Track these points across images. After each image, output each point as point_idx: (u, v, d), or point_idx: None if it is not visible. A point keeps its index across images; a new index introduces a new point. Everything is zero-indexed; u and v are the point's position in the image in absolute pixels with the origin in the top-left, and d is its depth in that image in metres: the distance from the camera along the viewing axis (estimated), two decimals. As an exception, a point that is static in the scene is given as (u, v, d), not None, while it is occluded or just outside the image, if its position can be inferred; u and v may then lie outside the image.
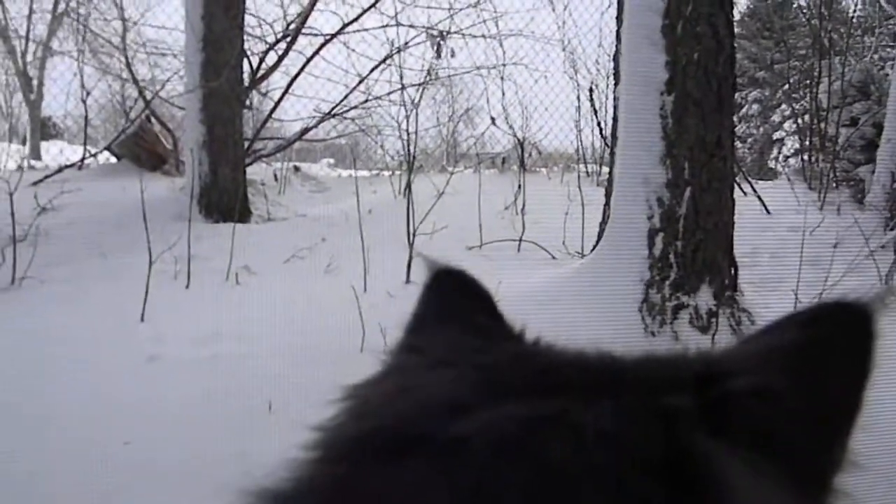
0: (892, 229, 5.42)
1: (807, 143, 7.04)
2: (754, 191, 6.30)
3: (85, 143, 8.03)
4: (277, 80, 8.35)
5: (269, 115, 8.05)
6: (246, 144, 7.53)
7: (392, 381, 0.51)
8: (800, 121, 7.47)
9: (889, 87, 6.08)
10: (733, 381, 0.41)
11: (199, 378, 3.92)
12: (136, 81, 7.53)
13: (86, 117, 8.03)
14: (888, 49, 9.12)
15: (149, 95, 7.66)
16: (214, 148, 6.81)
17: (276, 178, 8.04)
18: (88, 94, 8.07)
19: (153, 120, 7.75)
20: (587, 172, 7.79)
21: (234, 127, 6.98)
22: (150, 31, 8.29)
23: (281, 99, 7.94)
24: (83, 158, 7.91)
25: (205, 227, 6.45)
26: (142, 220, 5.14)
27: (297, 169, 8.40)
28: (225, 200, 6.77)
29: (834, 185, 6.36)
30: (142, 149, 7.64)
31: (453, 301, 0.60)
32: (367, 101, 7.83)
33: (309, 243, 6.19)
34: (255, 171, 8.01)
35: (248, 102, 7.88)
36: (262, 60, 7.85)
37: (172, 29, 7.83)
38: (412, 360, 0.53)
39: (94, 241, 5.91)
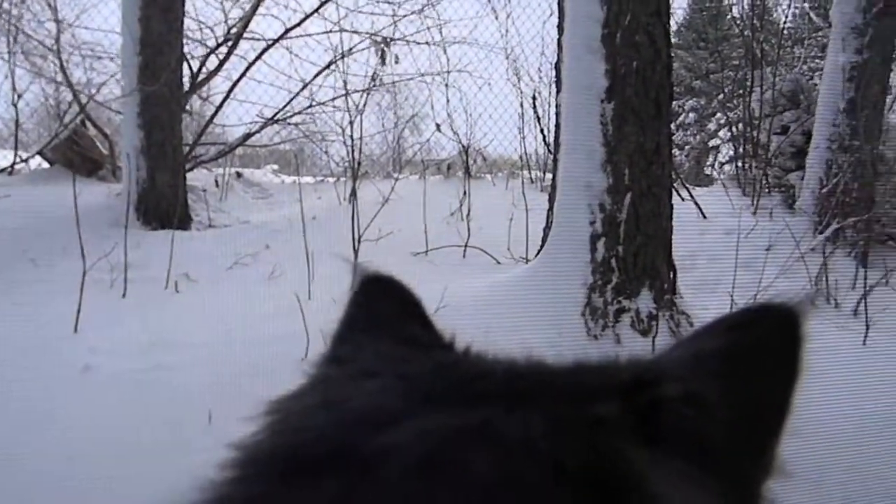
0: (820, 233, 5.62)
1: (740, 150, 7.26)
2: (691, 196, 6.47)
3: (16, 148, 7.74)
4: (219, 85, 8.22)
5: (210, 120, 7.91)
6: (186, 150, 7.38)
7: (315, 393, 0.50)
8: (734, 129, 7.70)
9: (817, 96, 6.33)
10: (663, 388, 0.41)
11: (137, 390, 3.82)
12: (70, 84, 7.30)
13: (17, 121, 7.74)
14: (817, 60, 9.47)
15: (84, 99, 7.44)
16: (153, 153, 6.66)
17: (217, 185, 7.91)
18: (20, 96, 7.79)
19: (88, 124, 7.53)
20: (531, 179, 7.88)
21: (173, 132, 6.84)
22: (85, 33, 8.05)
23: (222, 104, 7.82)
24: (14, 163, 7.64)
25: (143, 235, 6.30)
26: (75, 227, 4.98)
27: (239, 175, 8.27)
28: (164, 207, 6.62)
29: (766, 190, 6.57)
30: (76, 154, 7.42)
31: (381, 309, 0.59)
32: (310, 106, 7.76)
33: (252, 250, 6.10)
34: (196, 177, 7.86)
35: (188, 107, 7.73)
36: (202, 64, 7.72)
37: (109, 31, 7.63)
38: (336, 372, 0.52)
39: (25, 248, 5.71)
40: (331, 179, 8.25)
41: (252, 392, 3.80)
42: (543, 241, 5.02)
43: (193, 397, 3.75)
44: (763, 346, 0.46)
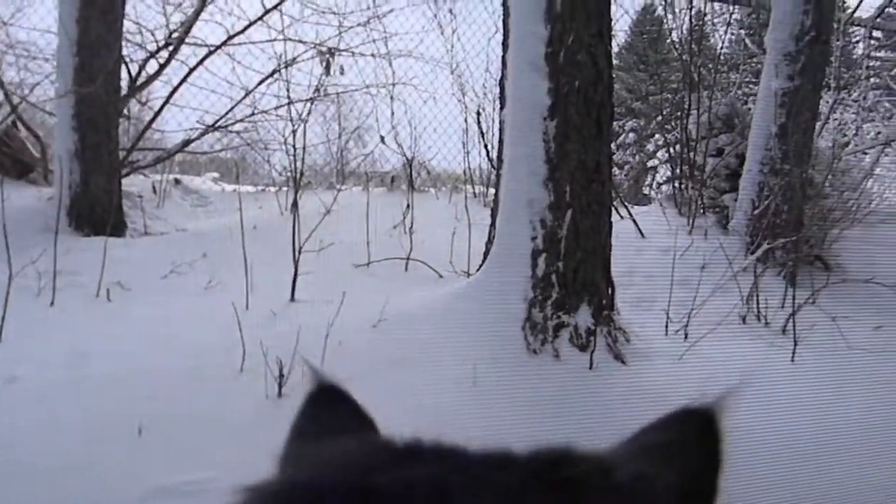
0: (752, 253, 5.80)
1: (677, 171, 7.45)
2: (630, 215, 6.60)
3: (-59, 149, 7.41)
4: (158, 90, 8.03)
5: (149, 125, 7.72)
6: (122, 155, 7.18)
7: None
8: (671, 150, 7.90)
9: (751, 120, 6.55)
10: (621, 472, 0.47)
11: (64, 401, 3.67)
12: (2, 84, 7.03)
13: (-58, 121, 7.41)
14: (751, 85, 9.83)
15: (16, 100, 7.18)
16: (87, 157, 6.46)
17: (154, 191, 7.72)
18: (-54, 95, 7.46)
19: (20, 125, 7.26)
20: (475, 193, 7.93)
21: (108, 135, 6.65)
22: (21, 32, 7.79)
23: (161, 109, 7.64)
24: (-62, 164, 7.30)
25: (74, 241, 6.10)
26: (1, 231, 4.79)
27: (177, 182, 8.09)
28: (97, 212, 6.43)
29: (701, 211, 6.75)
30: (6, 156, 7.14)
31: (336, 415, 0.61)
32: (253, 114, 7.65)
33: (189, 259, 5.96)
34: (132, 183, 7.65)
35: (125, 111, 7.53)
36: (141, 68, 7.53)
37: (45, 31, 7.39)
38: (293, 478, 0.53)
39: (-53, 253, 5.46)
40: (272, 189, 8.14)
41: (186, 404, 3.71)
42: (485, 255, 5.04)
43: (124, 409, 3.63)
44: (691, 442, 0.54)
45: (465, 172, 8.22)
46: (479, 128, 7.45)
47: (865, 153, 7.69)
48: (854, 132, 8.47)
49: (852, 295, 5.33)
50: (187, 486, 2.98)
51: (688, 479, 0.53)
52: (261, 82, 7.63)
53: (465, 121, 7.96)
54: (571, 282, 4.36)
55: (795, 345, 4.75)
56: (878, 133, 8.35)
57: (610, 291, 4.54)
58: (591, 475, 0.47)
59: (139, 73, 7.52)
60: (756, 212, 6.14)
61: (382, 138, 7.84)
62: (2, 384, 3.81)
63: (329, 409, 0.62)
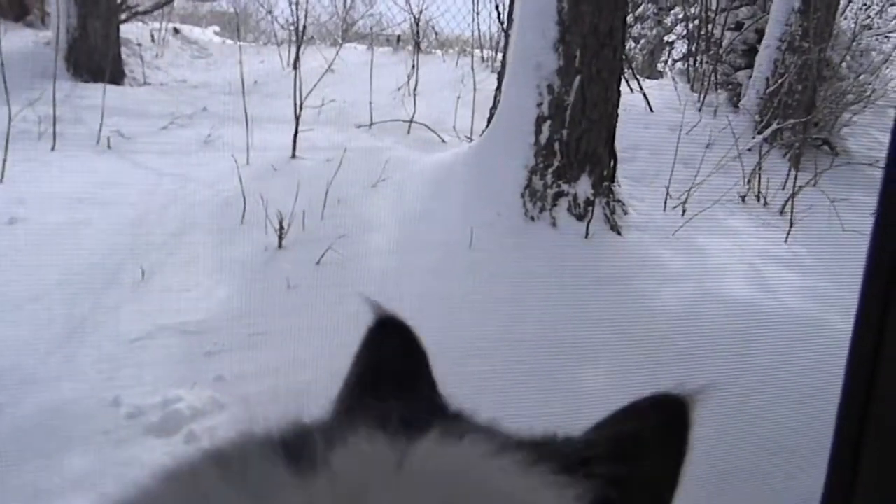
0: (760, 133, 5.72)
1: (694, 46, 7.22)
2: (641, 88, 6.45)
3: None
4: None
5: (148, -31, 7.39)
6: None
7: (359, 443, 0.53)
8: (690, 25, 7.62)
9: (774, -7, 6.27)
10: (597, 467, 0.50)
11: (64, 243, 3.73)
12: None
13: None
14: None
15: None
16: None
17: (153, 40, 7.50)
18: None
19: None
20: (482, 58, 7.70)
21: (106, -23, 6.40)
22: None
23: (160, -49, 7.29)
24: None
25: (73, 86, 5.99)
26: (-1, 73, 4.70)
27: (176, 31, 7.85)
28: (95, 59, 6.28)
29: (714, 87, 6.59)
30: (1, -5, 6.90)
31: (393, 364, 0.62)
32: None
33: (189, 111, 5.89)
34: (130, 31, 7.42)
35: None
36: None
37: None
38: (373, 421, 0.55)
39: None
40: (275, 44, 7.91)
41: (187, 250, 3.78)
42: (489, 121, 4.97)
43: (125, 254, 3.70)
44: (660, 432, 0.57)
45: (473, 35, 7.96)
46: (492, -13, 7.14)
47: (888, 37, 7.41)
48: (878, 13, 8.12)
49: (854, 178, 5.30)
50: (186, 325, 3.09)
51: (657, 472, 0.56)
52: (264, -73, 7.26)
53: (478, -22, 7.61)
54: (574, 151, 4.32)
55: (791, 226, 4.78)
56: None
57: (612, 163, 4.51)
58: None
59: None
60: (769, 90, 6.00)
61: (390, -7, 7.53)
62: (4, 224, 3.86)
63: (387, 350, 0.63)
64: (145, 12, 7.56)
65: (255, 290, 3.46)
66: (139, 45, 7.23)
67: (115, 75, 6.30)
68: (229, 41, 8.29)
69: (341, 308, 3.11)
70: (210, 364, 2.88)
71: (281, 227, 3.77)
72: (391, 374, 0.61)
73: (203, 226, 4.03)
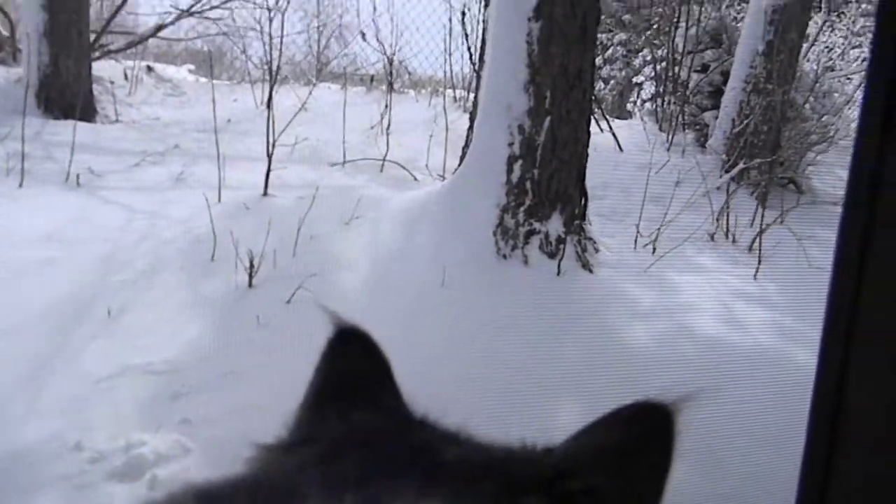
0: (727, 172, 5.83)
1: (661, 88, 7.38)
2: (610, 128, 6.56)
3: None
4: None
5: (121, 6, 7.42)
6: (93, 37, 6.93)
7: (306, 457, 0.51)
8: (658, 67, 7.79)
9: (738, 37, 6.45)
10: (571, 482, 0.49)
11: (30, 281, 3.67)
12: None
13: None
14: (743, 4, 9.63)
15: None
16: (57, 36, 6.24)
17: (126, 77, 7.50)
18: None
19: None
20: (455, 98, 7.80)
21: (79, 16, 6.41)
22: None
23: (134, -10, 7.33)
24: None
25: (43, 123, 5.95)
26: (-33, 109, 4.65)
27: (150, 69, 7.86)
28: (67, 96, 6.26)
29: (682, 127, 6.73)
30: (-29, 32, 6.87)
31: (360, 373, 0.60)
32: (228, 0, 7.37)
33: (161, 148, 5.87)
34: (103, 68, 7.42)
35: (97, -9, 7.23)
36: (114, -54, 7.18)
37: None
38: (325, 436, 0.54)
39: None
40: (248, 83, 7.95)
41: (157, 291, 3.73)
42: (461, 159, 5.01)
43: (93, 293, 3.64)
44: (643, 443, 0.55)
45: (445, 74, 8.06)
46: (464, 29, 7.25)
47: (849, 78, 7.64)
48: (840, 56, 8.40)
49: (819, 216, 5.40)
50: (153, 365, 3.04)
51: (641, 485, 0.54)
52: (239, -32, 7.33)
53: (450, 20, 7.75)
54: (545, 190, 4.36)
55: (760, 263, 4.85)
56: (864, 59, 8.27)
57: (583, 202, 4.55)
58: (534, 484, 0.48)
59: (112, -49, 7.19)
60: (735, 131, 6.13)
61: (363, 34, 7.64)
62: (-32, 261, 3.79)
63: (348, 360, 0.61)
64: (118, 50, 7.58)
65: (225, 329, 3.42)
66: (112, 82, 7.23)
67: (87, 113, 6.28)
68: (203, 79, 8.32)
69: (312, 347, 3.08)
70: (176, 406, 2.83)
71: (251, 266, 3.74)
72: (353, 384, 0.59)
73: (173, 264, 3.99)
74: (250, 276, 3.77)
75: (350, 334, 0.62)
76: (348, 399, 0.58)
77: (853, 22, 8.83)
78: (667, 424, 0.54)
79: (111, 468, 2.46)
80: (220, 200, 4.70)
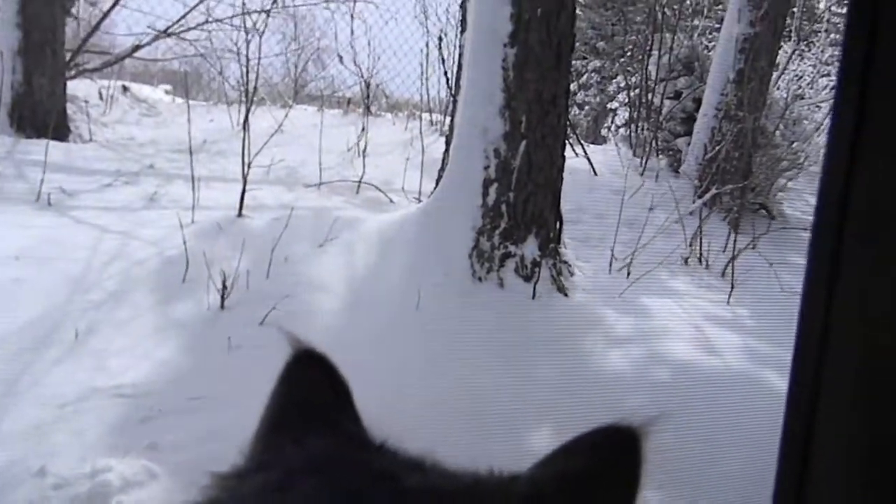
0: (699, 197, 5.90)
1: (635, 113, 7.48)
2: (585, 153, 6.63)
3: None
4: (108, -10, 7.66)
5: (97, 26, 7.39)
6: (68, 56, 6.89)
7: (261, 484, 0.50)
8: (631, 93, 7.90)
9: (710, 65, 6.57)
10: None
11: (1, 303, 3.60)
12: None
13: None
14: (714, 33, 9.82)
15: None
16: (30, 55, 6.19)
17: (101, 97, 7.45)
18: None
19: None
20: (431, 122, 7.84)
21: (54, 35, 6.36)
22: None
23: (111, 10, 7.30)
24: None
25: (15, 142, 5.89)
26: (-64, 126, 4.58)
27: (125, 89, 7.81)
28: (40, 115, 6.19)
29: (655, 153, 6.81)
30: (-58, 49, 6.78)
31: (317, 397, 0.59)
32: (206, 21, 7.36)
33: (135, 168, 5.82)
34: (78, 87, 7.37)
35: (73, 11, 7.19)
36: (91, -34, 7.16)
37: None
38: (281, 463, 0.53)
39: None
40: (225, 104, 7.93)
41: (126, 312, 3.67)
42: (437, 182, 5.02)
43: (62, 315, 3.58)
44: (610, 468, 0.54)
45: (421, 97, 8.11)
46: (440, 53, 7.32)
47: (818, 106, 7.81)
48: (809, 84, 8.58)
49: (790, 241, 5.49)
50: (121, 389, 2.98)
51: None
52: (217, -10, 7.34)
53: (427, 45, 7.81)
54: (521, 213, 4.38)
55: (733, 287, 4.89)
56: (833, 87, 8.45)
57: (558, 225, 4.58)
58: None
59: (88, -29, 7.16)
60: (707, 157, 6.22)
61: (341, 58, 7.67)
62: (-67, 282, 3.71)
63: (305, 384, 0.60)
64: (94, 70, 7.53)
65: (196, 352, 3.37)
66: (86, 102, 7.17)
67: (60, 132, 6.21)
68: (179, 100, 8.29)
69: (285, 370, 3.04)
70: (144, 430, 2.77)
71: (224, 287, 3.70)
72: (311, 409, 0.58)
73: (143, 285, 3.93)
74: (223, 298, 3.72)
75: (308, 357, 0.61)
76: (305, 424, 0.56)
77: (822, 51, 9.05)
78: (633, 448, 0.53)
79: (75, 494, 2.40)
80: (193, 221, 4.66)
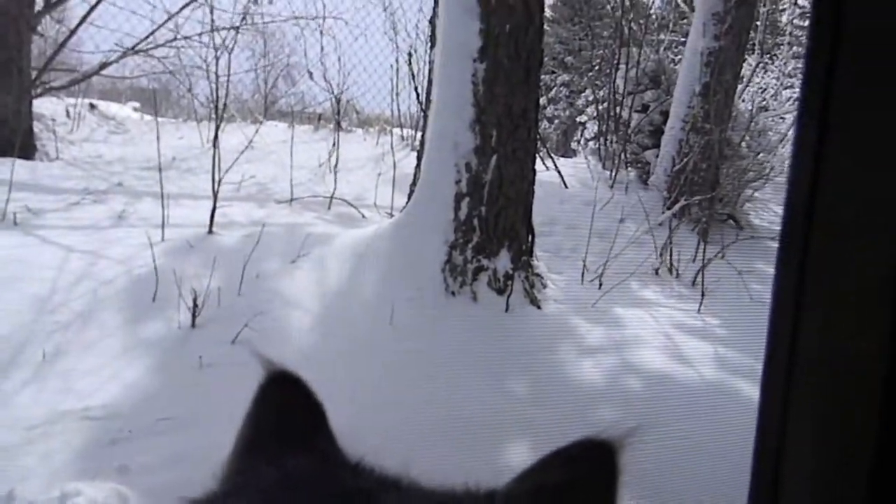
0: (669, 208, 5.98)
1: (603, 127, 7.57)
2: (555, 166, 6.69)
3: None
4: (75, 7, 7.59)
5: (63, 44, 7.30)
6: (34, 74, 6.79)
7: None
8: (600, 107, 8.00)
9: (676, 78, 6.67)
10: None
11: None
12: None
13: None
14: (680, 46, 9.98)
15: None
16: (-6, 73, 6.10)
17: (68, 115, 7.35)
18: None
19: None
20: (402, 137, 7.85)
21: (20, 53, 6.28)
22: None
23: (77, 27, 7.22)
24: None
25: (-22, 161, 5.78)
26: None
27: (92, 107, 7.72)
28: (6, 133, 6.09)
29: (624, 165, 6.89)
30: None
31: (293, 417, 0.59)
32: (175, 39, 7.31)
33: (103, 186, 5.75)
34: (45, 105, 7.27)
35: (39, 29, 7.10)
36: (57, -17, 7.08)
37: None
38: (256, 484, 0.53)
39: None
40: (194, 121, 7.87)
41: (95, 332, 3.61)
42: (409, 197, 5.03)
43: (28, 336, 3.51)
44: (588, 480, 0.54)
45: (392, 113, 8.13)
46: (410, 69, 7.34)
47: (782, 117, 7.96)
48: (773, 96, 8.75)
49: (758, 251, 5.57)
50: (90, 411, 2.93)
51: None
52: (184, 6, 7.29)
53: (396, 60, 7.84)
54: (493, 227, 4.40)
55: (703, 296, 4.95)
56: (796, 99, 8.63)
57: (530, 238, 4.60)
58: None
59: (54, -11, 7.08)
60: (675, 168, 6.30)
61: (310, 73, 7.65)
62: None
63: (279, 406, 0.60)
64: (61, 87, 7.43)
65: (166, 371, 3.32)
66: (53, 120, 7.08)
67: (26, 150, 6.12)
68: (148, 117, 8.21)
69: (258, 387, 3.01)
70: (114, 452, 2.72)
71: (195, 305, 3.66)
72: (285, 430, 0.58)
73: (112, 304, 3.87)
74: (193, 316, 3.68)
75: (282, 379, 0.61)
76: (280, 445, 0.56)
77: (785, 64, 9.24)
78: (609, 461, 0.53)
79: (44, 519, 2.35)
80: (163, 239, 4.60)
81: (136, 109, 8.80)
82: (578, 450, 0.55)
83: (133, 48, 7.26)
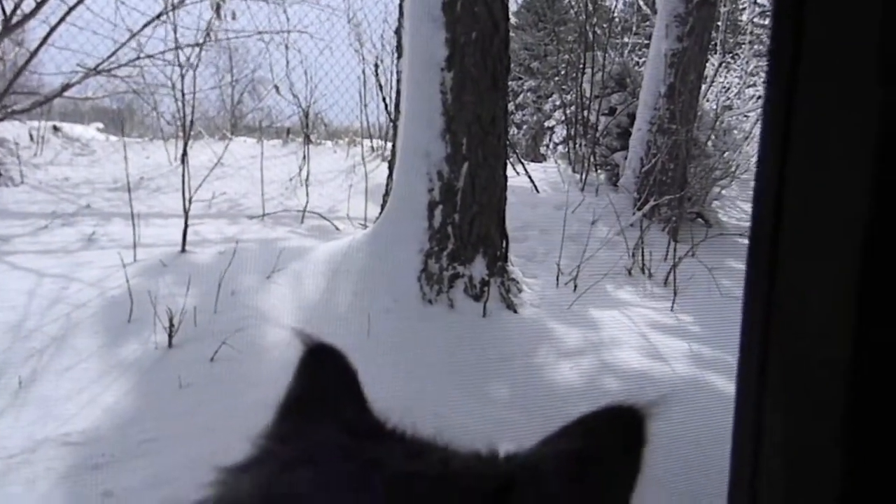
0: (639, 209, 6.05)
1: (572, 130, 7.65)
2: (526, 171, 6.74)
3: None
4: (35, 29, 7.48)
5: (24, 67, 7.19)
6: (-6, 98, 6.69)
7: (259, 476, 0.52)
8: (567, 111, 8.08)
9: (642, 80, 6.77)
10: (526, 490, 0.48)
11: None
12: None
13: None
14: (644, 49, 10.12)
15: None
16: (-46, 99, 6.00)
17: (32, 138, 7.25)
18: None
19: None
20: (372, 148, 7.86)
21: (-21, 77, 6.18)
22: None
23: (38, 49, 7.12)
24: None
25: (-59, 189, 5.69)
26: None
27: (56, 129, 7.63)
28: (-33, 159, 6.00)
29: (594, 168, 6.97)
30: None
31: (323, 387, 0.62)
32: (138, 58, 7.25)
33: (70, 209, 5.68)
34: (7, 129, 7.16)
35: (-3, 51, 7.00)
36: (17, 6, 6.98)
37: None
38: (279, 450, 0.55)
39: None
40: (161, 140, 7.81)
41: (70, 358, 3.57)
42: (382, 207, 5.04)
43: (2, 363, 3.46)
44: (609, 451, 0.53)
45: (362, 125, 8.14)
46: (378, 80, 7.37)
47: (747, 116, 8.11)
48: (737, 95, 8.90)
49: (727, 247, 5.66)
50: (70, 436, 2.89)
51: (608, 492, 0.52)
52: (147, 24, 7.23)
53: (363, 72, 7.85)
54: (467, 234, 4.43)
55: (675, 295, 5.02)
56: (759, 97, 8.80)
57: (504, 244, 4.64)
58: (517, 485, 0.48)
59: (14, 11, 6.97)
60: (644, 169, 6.39)
61: (277, 88, 7.63)
62: None
63: (316, 376, 0.63)
64: (23, 111, 7.33)
65: (145, 393, 3.29)
66: (17, 144, 6.97)
67: (-11, 176, 6.03)
68: (113, 137, 8.13)
69: (238, 404, 3.00)
70: (97, 477, 2.69)
71: (171, 325, 3.63)
72: (324, 396, 0.61)
73: (87, 328, 3.83)
74: (170, 336, 3.65)
75: (320, 351, 0.64)
76: (312, 415, 0.59)
77: (747, 62, 9.42)
78: (634, 428, 0.53)
79: (26, 549, 2.31)
80: (135, 259, 4.56)
81: (100, 130, 8.70)
82: (601, 416, 0.54)
83: (95, 69, 7.18)
